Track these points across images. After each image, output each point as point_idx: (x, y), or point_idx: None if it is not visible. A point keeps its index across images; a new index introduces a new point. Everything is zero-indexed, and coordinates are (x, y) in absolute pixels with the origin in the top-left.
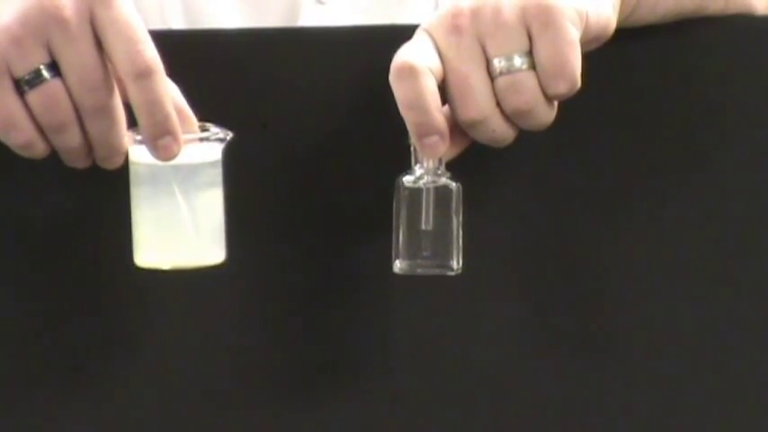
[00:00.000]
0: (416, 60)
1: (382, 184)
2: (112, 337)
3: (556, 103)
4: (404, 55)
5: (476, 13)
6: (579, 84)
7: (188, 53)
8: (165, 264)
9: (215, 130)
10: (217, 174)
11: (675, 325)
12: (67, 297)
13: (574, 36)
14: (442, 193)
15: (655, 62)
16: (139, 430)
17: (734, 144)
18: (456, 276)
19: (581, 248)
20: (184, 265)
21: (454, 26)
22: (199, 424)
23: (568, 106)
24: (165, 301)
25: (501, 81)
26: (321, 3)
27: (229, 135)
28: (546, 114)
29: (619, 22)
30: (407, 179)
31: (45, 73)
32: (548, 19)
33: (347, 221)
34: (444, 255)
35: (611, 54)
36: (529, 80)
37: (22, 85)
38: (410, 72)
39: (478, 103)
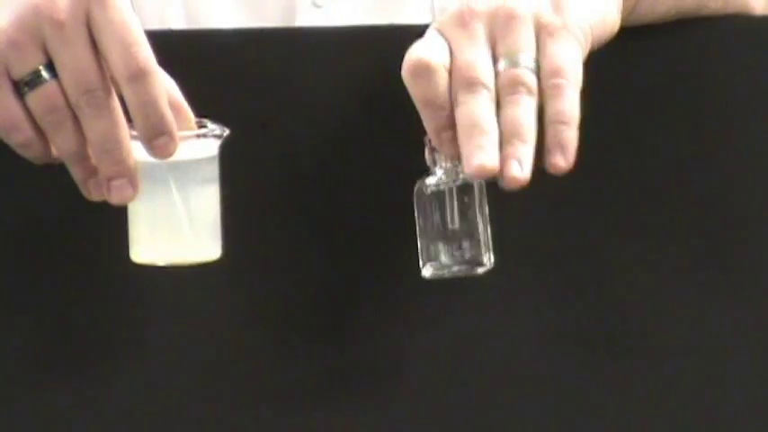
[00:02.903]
0: (431, 57)
1: (381, 183)
2: (110, 334)
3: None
4: (418, 52)
5: (490, 15)
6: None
7: (187, 53)
8: (161, 259)
9: (212, 127)
10: (213, 170)
11: (680, 324)
12: (64, 294)
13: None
14: (464, 192)
15: (655, 62)
16: (138, 429)
17: (734, 144)
18: (465, 279)
19: (583, 248)
20: (180, 261)
21: (465, 22)
22: (198, 424)
23: None
24: (164, 301)
25: (503, 75)
26: (317, 6)
27: (226, 131)
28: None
29: (620, 21)
30: (429, 182)
31: (43, 74)
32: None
33: (346, 220)
34: (474, 252)
35: (611, 54)
36: (529, 77)
37: (22, 87)
38: (426, 69)
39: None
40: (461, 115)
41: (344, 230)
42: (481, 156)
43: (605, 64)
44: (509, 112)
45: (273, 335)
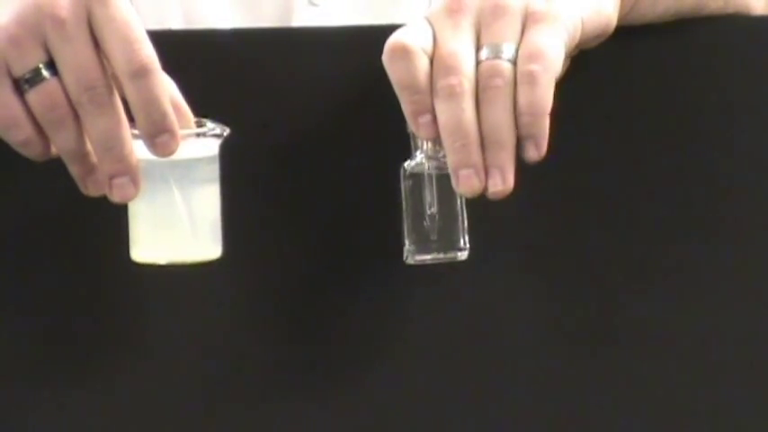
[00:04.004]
0: (410, 40)
1: (380, 182)
2: (110, 334)
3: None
4: (397, 36)
5: (479, 5)
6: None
7: (186, 53)
8: (162, 259)
9: (212, 126)
10: (214, 169)
11: (678, 322)
12: (65, 293)
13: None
14: (444, 176)
15: (655, 62)
16: (138, 428)
17: (734, 144)
18: (461, 272)
19: (581, 246)
20: (180, 261)
21: (453, 10)
22: (198, 422)
23: (569, 105)
24: (164, 299)
25: (484, 65)
26: (314, 4)
27: (227, 131)
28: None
29: (619, 19)
30: (408, 165)
31: (44, 72)
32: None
33: (346, 219)
34: (452, 236)
35: (611, 54)
36: (508, 69)
37: (22, 84)
38: (403, 52)
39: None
40: (443, 115)
41: (346, 230)
42: (472, 180)
43: (605, 64)
44: (487, 112)
45: (273, 333)
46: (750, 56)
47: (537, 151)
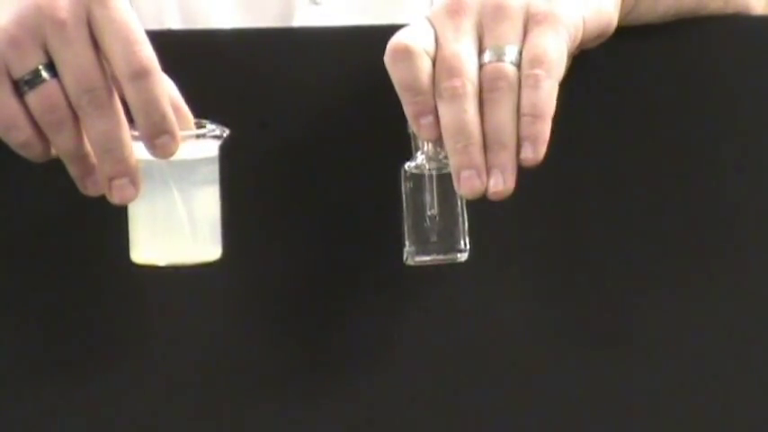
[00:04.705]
0: (412, 42)
1: (380, 182)
2: (110, 334)
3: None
4: (400, 37)
5: (480, 6)
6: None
7: (186, 53)
8: (161, 260)
9: (211, 127)
10: (213, 171)
11: (676, 322)
12: (64, 295)
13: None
14: (444, 177)
15: (655, 62)
16: (138, 428)
17: (733, 144)
18: (461, 272)
19: (583, 246)
20: (180, 262)
21: (455, 12)
22: (198, 422)
23: (569, 105)
24: (163, 300)
25: (487, 68)
26: (316, 3)
27: (226, 132)
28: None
29: (619, 19)
30: (409, 166)
31: (43, 73)
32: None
33: (346, 219)
34: (452, 237)
35: (611, 54)
36: (511, 71)
37: (22, 86)
38: (405, 53)
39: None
40: (445, 116)
41: (345, 230)
42: (473, 181)
43: (605, 64)
44: (491, 113)
45: (273, 334)
46: (750, 56)
47: (534, 154)
